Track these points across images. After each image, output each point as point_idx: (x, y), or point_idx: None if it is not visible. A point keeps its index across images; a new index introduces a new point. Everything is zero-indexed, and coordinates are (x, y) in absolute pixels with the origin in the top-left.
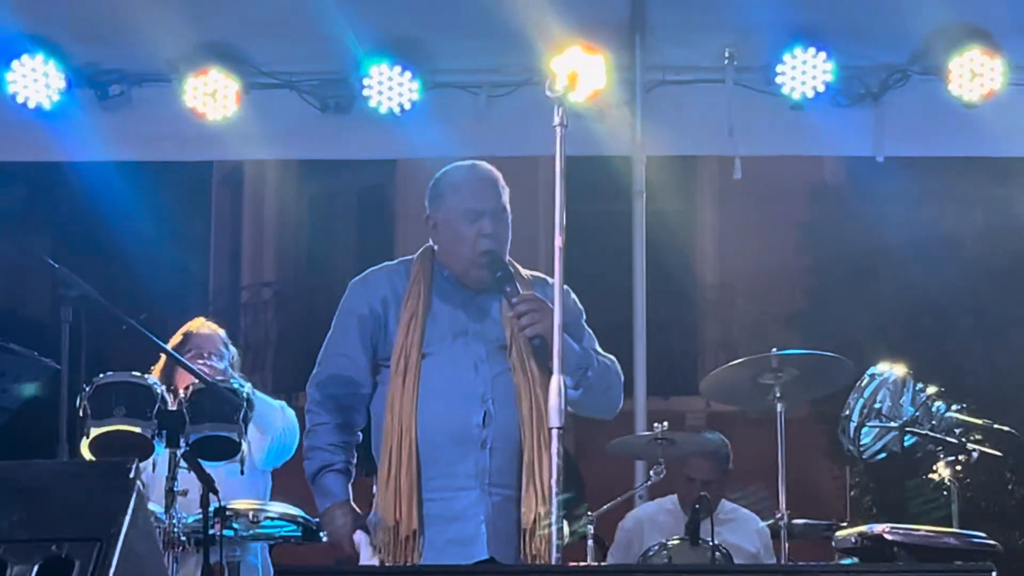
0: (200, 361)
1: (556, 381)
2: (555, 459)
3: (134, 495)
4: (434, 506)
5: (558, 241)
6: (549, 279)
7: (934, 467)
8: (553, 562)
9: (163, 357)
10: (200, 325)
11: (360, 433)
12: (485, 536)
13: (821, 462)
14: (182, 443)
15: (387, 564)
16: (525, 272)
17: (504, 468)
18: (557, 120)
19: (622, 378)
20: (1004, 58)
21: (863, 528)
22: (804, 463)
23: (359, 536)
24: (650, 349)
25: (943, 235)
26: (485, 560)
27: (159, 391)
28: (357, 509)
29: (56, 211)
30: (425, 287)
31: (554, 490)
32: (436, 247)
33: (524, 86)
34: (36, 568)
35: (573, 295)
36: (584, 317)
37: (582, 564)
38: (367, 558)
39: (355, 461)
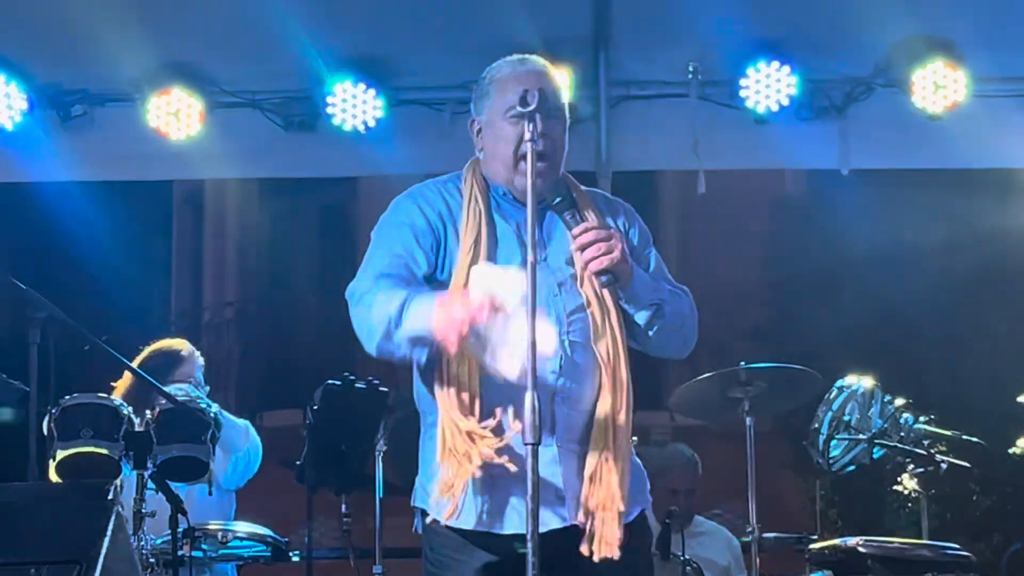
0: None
1: (530, 398)
2: (530, 475)
3: (113, 517)
4: (500, 462)
5: (530, 257)
6: (608, 194)
7: (899, 479)
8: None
9: (127, 375)
10: (191, 351)
11: None
12: (566, 499)
13: (787, 475)
14: (149, 464)
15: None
16: (582, 188)
17: (572, 420)
18: (528, 136)
19: (696, 312)
20: (966, 70)
21: (836, 541)
22: (770, 476)
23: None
24: None
25: (906, 246)
26: (566, 528)
27: (126, 412)
28: None
29: (18, 232)
30: (484, 204)
31: (528, 507)
32: (481, 156)
33: None
34: None
35: (639, 218)
36: (652, 240)
37: None
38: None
39: None
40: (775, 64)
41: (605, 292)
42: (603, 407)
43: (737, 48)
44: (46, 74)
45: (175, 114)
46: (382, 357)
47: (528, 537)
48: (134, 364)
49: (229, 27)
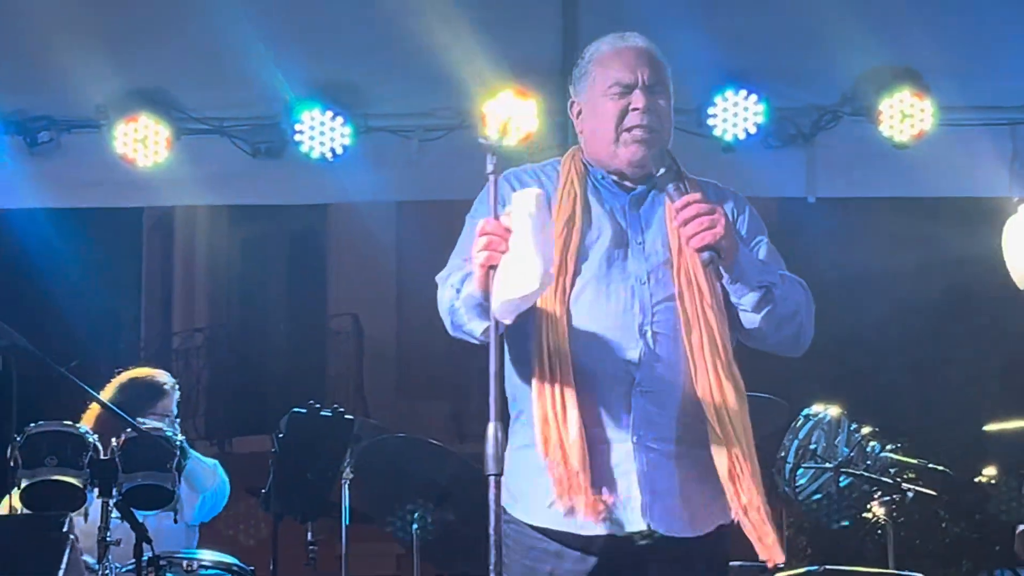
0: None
1: (492, 429)
2: (492, 506)
3: (68, 549)
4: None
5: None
6: (718, 184)
7: (868, 506)
8: None
9: (95, 404)
10: (173, 385)
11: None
12: (640, 499)
13: None
14: (115, 492)
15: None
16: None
17: (653, 416)
18: (490, 168)
19: (812, 304)
20: (933, 99)
21: (802, 570)
22: None
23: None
24: None
25: (873, 274)
26: (642, 532)
27: (91, 440)
28: None
29: None
30: (580, 187)
31: (492, 538)
32: (582, 140)
33: (456, 130)
34: None
35: (749, 205)
36: (765, 231)
37: None
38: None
39: None
40: (743, 92)
41: (701, 281)
42: (711, 400)
43: (704, 76)
44: (11, 100)
45: (142, 141)
46: (459, 336)
47: (491, 569)
48: (111, 388)
49: (196, 54)
